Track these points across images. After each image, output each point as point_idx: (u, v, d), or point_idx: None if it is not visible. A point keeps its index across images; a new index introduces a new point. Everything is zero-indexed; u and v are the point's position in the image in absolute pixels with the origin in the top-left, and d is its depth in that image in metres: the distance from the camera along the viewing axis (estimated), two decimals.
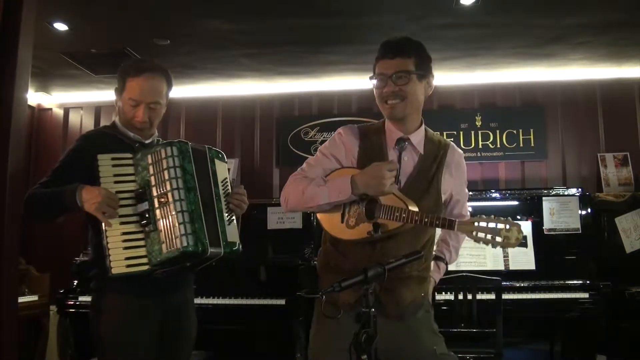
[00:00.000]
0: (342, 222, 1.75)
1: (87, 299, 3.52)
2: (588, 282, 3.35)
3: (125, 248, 1.77)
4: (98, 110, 4.90)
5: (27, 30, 1.96)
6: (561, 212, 3.63)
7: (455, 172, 1.88)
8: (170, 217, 1.76)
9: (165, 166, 1.80)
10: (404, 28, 3.32)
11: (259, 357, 3.78)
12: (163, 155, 1.82)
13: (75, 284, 3.68)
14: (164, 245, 1.75)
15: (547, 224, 3.62)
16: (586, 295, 3.29)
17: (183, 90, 4.56)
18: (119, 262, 1.75)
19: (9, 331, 1.86)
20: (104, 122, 4.84)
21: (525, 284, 3.38)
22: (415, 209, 1.68)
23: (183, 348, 2.04)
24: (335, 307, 1.74)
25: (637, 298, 3.28)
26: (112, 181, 1.83)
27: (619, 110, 4.29)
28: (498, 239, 1.55)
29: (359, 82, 4.41)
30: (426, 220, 1.63)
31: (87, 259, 3.72)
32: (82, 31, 3.46)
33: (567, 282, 3.37)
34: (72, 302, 3.58)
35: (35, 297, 3.91)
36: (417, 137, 1.85)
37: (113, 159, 1.85)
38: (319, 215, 1.84)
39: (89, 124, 4.89)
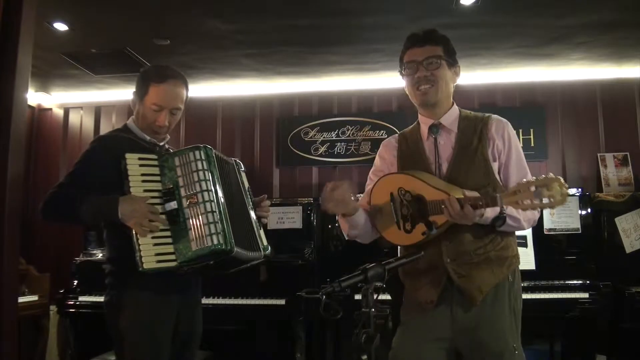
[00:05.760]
0: (400, 229, 1.76)
1: (87, 298, 3.54)
2: (588, 282, 3.34)
3: (155, 245, 1.82)
4: (98, 110, 4.89)
5: (27, 30, 1.96)
6: (561, 212, 3.63)
7: (498, 137, 1.82)
8: (200, 216, 1.83)
9: (194, 168, 1.88)
10: (404, 28, 3.29)
11: (259, 357, 3.78)
12: (191, 158, 1.89)
13: (75, 284, 3.68)
14: (193, 243, 1.81)
15: (547, 224, 3.62)
16: (586, 295, 3.29)
17: None
18: (149, 257, 1.79)
19: (9, 331, 1.86)
20: (104, 122, 4.85)
21: (525, 284, 3.37)
22: (458, 195, 1.63)
23: (192, 346, 2.09)
24: (418, 307, 1.78)
25: (637, 298, 3.27)
26: (140, 180, 1.87)
27: (619, 110, 4.29)
28: (545, 200, 1.47)
29: (359, 82, 4.40)
30: (470, 203, 1.60)
31: (88, 259, 3.75)
32: (82, 31, 3.46)
33: (567, 282, 3.37)
34: (72, 302, 3.57)
35: (35, 297, 3.91)
36: (450, 118, 1.87)
37: (140, 158, 1.90)
38: (382, 233, 1.84)
39: (89, 124, 4.89)
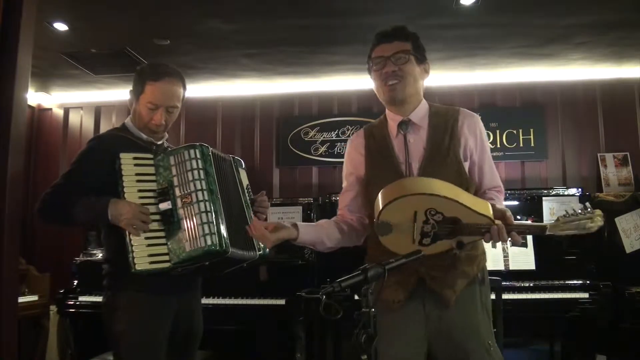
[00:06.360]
0: (414, 243, 1.67)
1: (87, 298, 3.54)
2: (588, 282, 3.34)
3: (148, 245, 1.80)
4: (98, 110, 4.90)
5: (27, 30, 1.96)
6: (561, 212, 3.62)
7: (470, 135, 1.79)
8: (194, 216, 1.81)
9: (188, 167, 1.86)
10: None
11: (259, 357, 3.78)
12: (187, 157, 1.87)
13: (75, 284, 3.68)
14: (187, 244, 1.79)
15: None
16: (586, 295, 3.29)
17: None
18: (142, 258, 1.78)
19: (9, 331, 1.86)
20: (104, 122, 4.85)
21: (525, 284, 3.38)
22: (485, 211, 1.61)
23: (192, 347, 2.08)
24: (385, 307, 1.74)
25: (637, 298, 3.27)
26: (134, 180, 1.86)
27: (619, 110, 4.29)
28: (585, 230, 1.62)
29: (359, 82, 4.41)
30: (517, 231, 1.60)
31: (88, 259, 3.75)
32: (82, 31, 3.46)
33: (567, 282, 3.37)
34: (72, 302, 3.57)
35: (35, 297, 3.91)
36: (419, 114, 1.82)
37: (135, 158, 1.88)
38: (384, 243, 1.70)
39: (89, 124, 4.89)
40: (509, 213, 1.64)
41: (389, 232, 1.69)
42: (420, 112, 1.83)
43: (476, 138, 1.81)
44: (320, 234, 1.84)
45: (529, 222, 1.69)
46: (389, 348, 1.73)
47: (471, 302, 1.74)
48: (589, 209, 1.60)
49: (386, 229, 1.69)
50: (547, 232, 1.62)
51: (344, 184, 1.96)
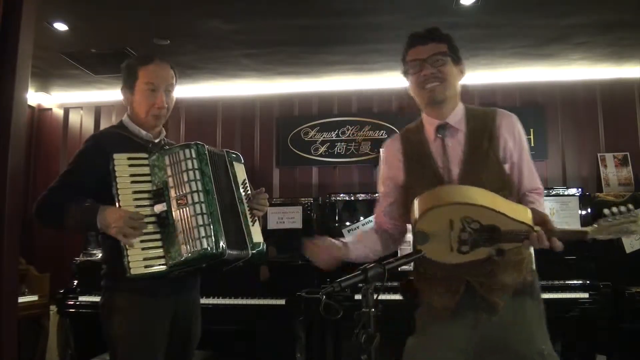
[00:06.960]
0: (453, 250, 1.64)
1: (87, 298, 3.54)
2: (588, 282, 3.34)
3: (144, 249, 1.76)
4: (98, 110, 4.90)
5: (27, 30, 1.96)
6: (561, 212, 3.63)
7: (509, 136, 1.75)
8: (189, 218, 1.77)
9: (184, 168, 1.81)
10: (404, 28, 3.29)
11: (259, 357, 3.78)
12: (182, 157, 1.83)
13: (75, 284, 3.68)
14: (183, 247, 1.75)
15: None
16: (586, 295, 3.29)
17: (183, 90, 4.56)
18: (137, 262, 1.74)
19: (9, 331, 1.86)
20: (104, 122, 4.85)
21: None
22: (524, 218, 1.58)
23: (190, 348, 2.06)
24: (434, 313, 1.72)
25: (637, 298, 3.27)
26: (128, 181, 1.82)
27: (619, 110, 4.29)
28: (628, 233, 1.56)
29: (359, 82, 4.40)
30: (558, 237, 1.56)
31: (88, 259, 3.75)
32: (82, 31, 3.46)
33: (567, 282, 3.37)
34: (72, 302, 3.57)
35: (35, 297, 3.91)
36: (456, 117, 1.79)
37: (129, 158, 1.84)
38: (426, 252, 1.67)
39: (89, 124, 4.89)
40: (548, 218, 1.60)
41: (426, 241, 1.67)
42: (457, 115, 1.79)
43: (515, 138, 1.77)
44: (366, 251, 1.85)
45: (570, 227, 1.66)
46: (432, 354, 1.71)
47: (523, 307, 1.71)
48: (631, 211, 1.51)
49: (423, 238, 1.67)
50: (589, 237, 1.57)
51: (381, 189, 1.93)
